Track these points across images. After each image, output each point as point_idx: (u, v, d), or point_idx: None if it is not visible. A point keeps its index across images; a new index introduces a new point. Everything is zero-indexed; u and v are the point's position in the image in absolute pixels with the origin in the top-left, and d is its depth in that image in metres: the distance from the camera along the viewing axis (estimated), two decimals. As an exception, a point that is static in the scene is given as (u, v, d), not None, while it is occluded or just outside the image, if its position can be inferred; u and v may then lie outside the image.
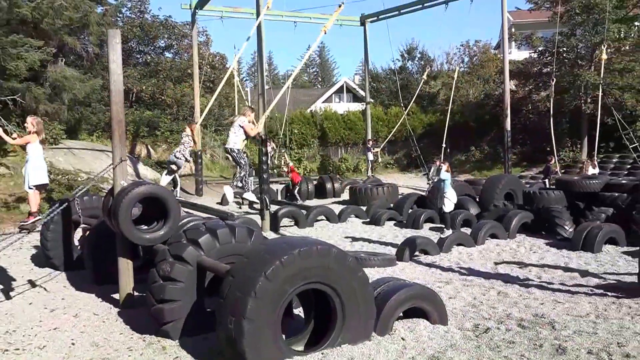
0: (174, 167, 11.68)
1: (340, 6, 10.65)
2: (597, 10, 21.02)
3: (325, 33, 10.38)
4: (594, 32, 21.25)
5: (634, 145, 14.89)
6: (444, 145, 19.64)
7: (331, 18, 10.82)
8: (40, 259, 8.53)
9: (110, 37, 6.08)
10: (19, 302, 6.51)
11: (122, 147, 6.13)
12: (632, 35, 22.23)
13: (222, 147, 9.76)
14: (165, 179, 11.80)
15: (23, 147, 7.87)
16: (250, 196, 9.57)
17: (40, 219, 7.06)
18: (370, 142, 23.50)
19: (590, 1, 21.11)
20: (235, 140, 8.98)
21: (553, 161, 17.02)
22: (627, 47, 22.50)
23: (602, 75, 17.11)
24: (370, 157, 23.23)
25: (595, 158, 16.84)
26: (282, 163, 20.72)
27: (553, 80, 16.95)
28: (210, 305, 5.03)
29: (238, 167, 9.34)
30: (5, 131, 7.52)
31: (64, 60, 17.47)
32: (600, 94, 15.71)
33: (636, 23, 22.42)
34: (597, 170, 16.03)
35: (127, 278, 6.13)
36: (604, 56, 16.16)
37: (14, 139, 7.89)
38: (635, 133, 15.92)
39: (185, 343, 4.90)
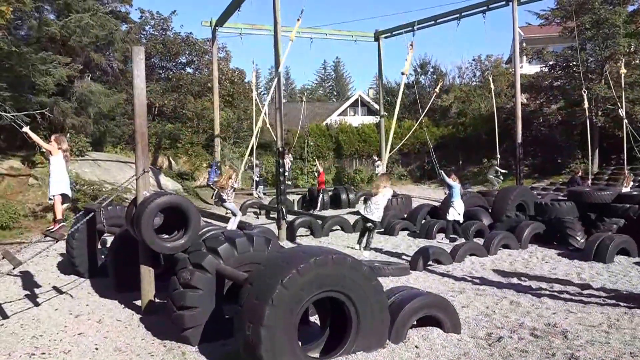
0: (229, 214, 11.08)
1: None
2: (606, 25, 21.06)
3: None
4: (604, 47, 21.27)
5: None
6: (498, 156, 19.86)
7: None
8: (66, 266, 8.73)
9: (134, 54, 6.28)
10: (46, 308, 6.68)
11: (145, 158, 6.28)
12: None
13: (364, 217, 9.90)
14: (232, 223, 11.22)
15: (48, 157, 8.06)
16: (367, 254, 9.83)
17: (64, 225, 7.20)
18: (376, 157, 24.81)
19: (600, 16, 21.11)
20: (381, 213, 9.69)
21: (580, 173, 16.92)
22: (638, 61, 22.43)
23: (623, 86, 17.10)
24: (377, 170, 24.16)
25: (630, 173, 16.52)
26: (315, 170, 21.12)
27: (585, 92, 16.97)
28: (229, 312, 5.10)
29: (369, 230, 9.85)
30: None
31: (90, 75, 17.89)
32: (623, 109, 15.67)
33: None
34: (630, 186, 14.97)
35: (149, 285, 6.25)
36: (623, 70, 16.16)
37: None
38: None
39: (204, 349, 4.99)
